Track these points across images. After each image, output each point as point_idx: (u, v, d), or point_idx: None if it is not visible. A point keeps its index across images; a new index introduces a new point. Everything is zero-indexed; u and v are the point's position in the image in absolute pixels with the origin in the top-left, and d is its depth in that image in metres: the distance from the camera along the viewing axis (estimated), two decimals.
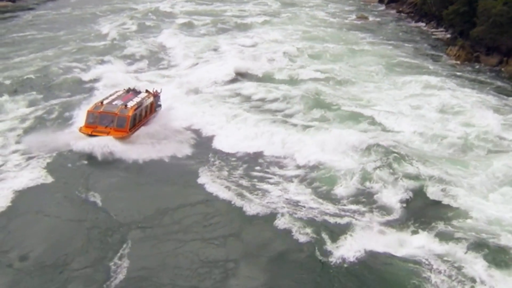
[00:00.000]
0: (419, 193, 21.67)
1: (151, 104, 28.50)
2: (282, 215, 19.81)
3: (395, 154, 24.16)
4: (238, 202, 20.96)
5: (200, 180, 22.85)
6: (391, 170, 22.98)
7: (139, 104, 27.21)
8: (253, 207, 20.53)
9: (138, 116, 26.92)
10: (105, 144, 24.54)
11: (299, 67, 40.20)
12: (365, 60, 43.06)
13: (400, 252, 18.10)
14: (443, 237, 18.76)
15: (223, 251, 18.37)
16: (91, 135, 25.24)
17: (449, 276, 16.95)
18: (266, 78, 37.72)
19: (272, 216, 19.90)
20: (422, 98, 33.23)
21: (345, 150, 25.06)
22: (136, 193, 22.23)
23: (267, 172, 23.90)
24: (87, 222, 19.87)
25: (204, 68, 39.61)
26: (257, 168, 24.31)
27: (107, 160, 24.43)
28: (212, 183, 22.50)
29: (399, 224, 19.81)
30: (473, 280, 16.79)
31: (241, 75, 38.06)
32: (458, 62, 44.20)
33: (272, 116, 29.98)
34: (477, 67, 43.20)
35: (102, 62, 40.62)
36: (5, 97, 31.67)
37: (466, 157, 25.28)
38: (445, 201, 21.09)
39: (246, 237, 19.14)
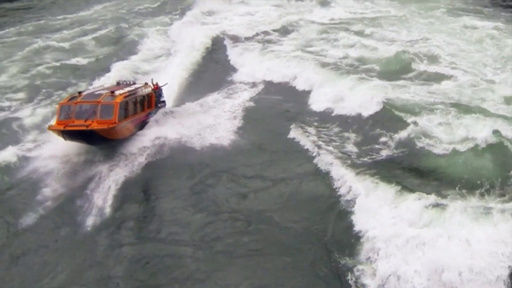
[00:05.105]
0: None
1: (150, 96, 21.82)
2: None
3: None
4: None
5: None
6: None
7: (132, 93, 20.56)
8: None
9: (131, 106, 20.02)
10: None
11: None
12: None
13: None
14: None
15: None
16: (63, 132, 18.07)
17: None
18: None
19: None
20: (484, 41, 32.47)
21: None
22: None
23: None
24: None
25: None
26: None
27: None
28: None
29: None
30: None
31: None
32: None
33: None
34: None
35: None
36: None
37: None
38: None
39: None
